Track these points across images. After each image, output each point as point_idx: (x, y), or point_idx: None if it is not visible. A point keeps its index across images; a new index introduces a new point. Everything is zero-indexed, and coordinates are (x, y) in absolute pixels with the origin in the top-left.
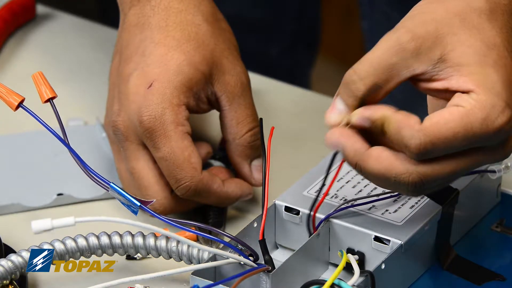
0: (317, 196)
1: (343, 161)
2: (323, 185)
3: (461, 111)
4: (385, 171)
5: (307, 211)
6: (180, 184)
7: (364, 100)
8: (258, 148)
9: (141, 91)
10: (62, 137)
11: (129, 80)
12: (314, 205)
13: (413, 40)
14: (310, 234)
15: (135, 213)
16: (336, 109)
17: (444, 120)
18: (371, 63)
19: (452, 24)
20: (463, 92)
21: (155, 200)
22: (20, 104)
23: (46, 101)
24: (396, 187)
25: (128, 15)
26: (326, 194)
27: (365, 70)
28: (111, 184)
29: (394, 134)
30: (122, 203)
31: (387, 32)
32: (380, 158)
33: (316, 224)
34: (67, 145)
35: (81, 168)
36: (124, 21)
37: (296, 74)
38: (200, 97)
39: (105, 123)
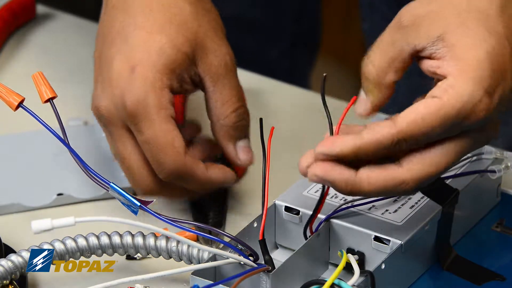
0: (319, 200)
1: None
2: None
3: (438, 104)
4: (381, 189)
5: (306, 212)
6: (163, 168)
7: (381, 85)
8: (243, 129)
9: (124, 76)
10: (62, 137)
11: (112, 64)
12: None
13: (412, 17)
14: (306, 237)
15: (135, 213)
16: (360, 99)
17: (420, 116)
18: (377, 45)
19: (458, 5)
20: (446, 76)
21: (144, 185)
22: (20, 104)
23: (46, 101)
24: (396, 194)
25: None
26: (325, 195)
27: (373, 52)
28: (111, 184)
29: (376, 153)
30: (122, 203)
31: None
32: (372, 180)
33: (317, 224)
34: (67, 145)
35: (81, 168)
36: (106, 4)
37: (295, 75)
38: (184, 78)
39: (92, 109)
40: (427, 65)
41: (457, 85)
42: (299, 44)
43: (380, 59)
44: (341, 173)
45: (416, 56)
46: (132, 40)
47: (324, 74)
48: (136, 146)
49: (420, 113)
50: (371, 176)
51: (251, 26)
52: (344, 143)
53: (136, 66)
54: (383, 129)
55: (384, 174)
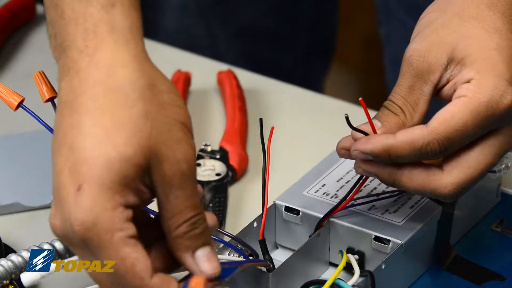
0: (338, 203)
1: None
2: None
3: (464, 101)
4: (419, 187)
5: (306, 212)
6: None
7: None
8: (199, 237)
9: (71, 195)
10: None
11: (60, 180)
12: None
13: (419, 57)
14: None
15: None
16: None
17: (450, 114)
18: (397, 90)
19: (451, 24)
20: (465, 82)
21: None
22: (20, 104)
23: (47, 101)
24: (434, 197)
25: (60, 89)
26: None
27: (395, 98)
28: None
29: (409, 154)
30: None
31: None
32: (412, 176)
33: (317, 224)
34: None
35: None
36: (58, 97)
37: (311, 83)
38: (140, 190)
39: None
40: (447, 90)
41: (479, 82)
42: (315, 52)
43: (404, 105)
44: (385, 166)
45: (438, 95)
46: (77, 151)
47: (346, 115)
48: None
49: (449, 111)
50: (412, 172)
51: (267, 34)
52: (377, 141)
53: (83, 183)
54: (416, 130)
55: (425, 173)
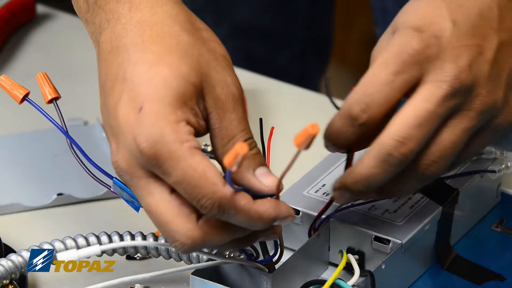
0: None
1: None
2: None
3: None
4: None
5: (307, 212)
6: (202, 203)
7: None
8: (256, 157)
9: (132, 118)
10: (66, 139)
11: (117, 110)
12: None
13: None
14: (310, 235)
15: (137, 209)
16: None
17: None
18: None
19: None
20: None
21: (183, 235)
22: (25, 97)
23: (49, 102)
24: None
25: (101, 43)
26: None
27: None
28: (114, 178)
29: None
30: (125, 199)
31: None
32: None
33: (317, 224)
34: (70, 138)
35: (82, 165)
36: (99, 52)
37: (306, 82)
38: (197, 113)
39: (114, 168)
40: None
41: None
42: (311, 51)
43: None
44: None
45: None
46: (132, 79)
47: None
48: (166, 194)
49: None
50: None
51: (262, 33)
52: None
53: (143, 103)
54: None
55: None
